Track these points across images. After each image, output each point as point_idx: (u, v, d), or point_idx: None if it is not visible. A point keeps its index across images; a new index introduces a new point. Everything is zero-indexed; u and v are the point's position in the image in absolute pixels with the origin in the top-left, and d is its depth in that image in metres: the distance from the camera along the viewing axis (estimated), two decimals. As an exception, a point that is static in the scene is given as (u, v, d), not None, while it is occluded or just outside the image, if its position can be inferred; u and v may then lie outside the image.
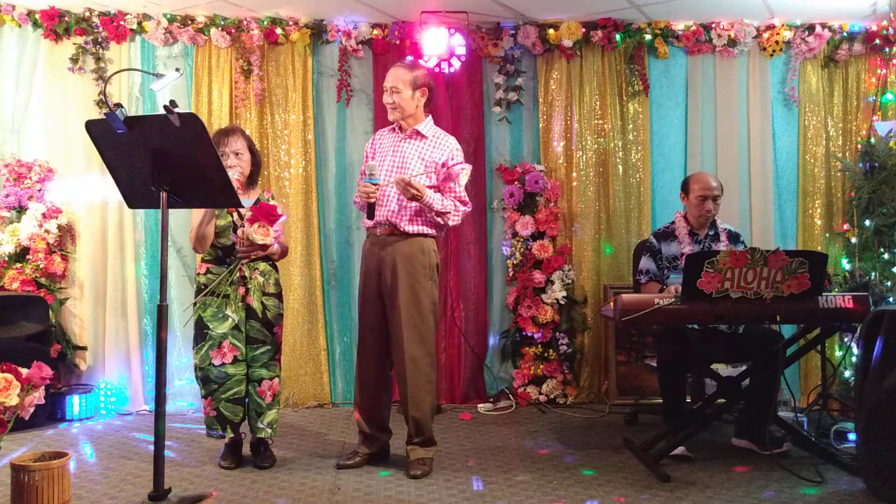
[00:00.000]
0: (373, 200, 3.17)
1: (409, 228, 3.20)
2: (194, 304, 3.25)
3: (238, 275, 3.26)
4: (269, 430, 3.29)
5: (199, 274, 3.33)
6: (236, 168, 3.26)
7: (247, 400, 3.30)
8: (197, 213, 3.26)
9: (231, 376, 3.21)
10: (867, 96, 4.69)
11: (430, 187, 3.18)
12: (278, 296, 3.38)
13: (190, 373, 4.45)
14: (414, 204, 3.16)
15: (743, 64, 4.71)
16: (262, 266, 3.33)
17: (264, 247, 3.23)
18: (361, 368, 3.36)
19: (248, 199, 3.31)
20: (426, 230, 3.23)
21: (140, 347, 4.46)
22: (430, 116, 3.37)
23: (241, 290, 3.26)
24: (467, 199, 3.30)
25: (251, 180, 3.41)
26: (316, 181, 4.60)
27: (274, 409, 3.31)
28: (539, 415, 4.36)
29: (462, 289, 4.69)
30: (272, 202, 3.38)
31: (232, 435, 3.25)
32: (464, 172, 3.23)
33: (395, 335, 3.22)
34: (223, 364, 3.20)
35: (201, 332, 3.24)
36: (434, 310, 3.25)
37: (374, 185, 3.15)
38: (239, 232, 3.24)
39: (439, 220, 3.21)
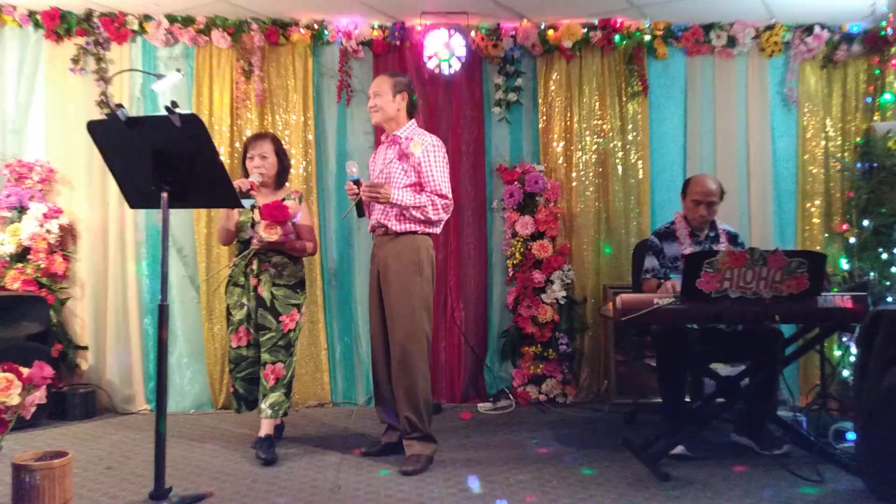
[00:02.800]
0: (353, 199, 3.34)
1: (397, 227, 3.33)
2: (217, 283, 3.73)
3: (250, 266, 3.50)
4: (270, 412, 3.44)
5: (231, 266, 3.64)
6: (260, 169, 3.54)
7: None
8: (223, 210, 3.61)
9: (246, 358, 3.55)
10: (866, 97, 4.70)
11: (408, 185, 3.30)
12: (293, 287, 3.54)
13: (191, 371, 4.52)
14: (408, 204, 3.27)
15: (742, 65, 4.72)
16: (276, 259, 3.52)
17: (272, 242, 3.42)
18: (373, 364, 3.53)
19: (273, 198, 3.58)
20: (414, 227, 3.32)
21: (141, 347, 4.47)
22: (414, 121, 3.45)
23: (254, 281, 3.50)
24: (446, 191, 3.31)
25: (279, 182, 3.66)
26: (316, 181, 4.61)
27: (278, 391, 3.46)
28: (539, 414, 4.37)
29: (462, 289, 4.70)
30: (290, 201, 3.56)
31: (247, 412, 3.61)
32: (412, 144, 3.30)
33: (390, 332, 3.35)
34: (239, 347, 3.54)
35: (228, 319, 3.61)
36: (426, 306, 3.32)
37: (353, 181, 3.32)
38: (256, 228, 3.46)
39: (417, 214, 3.28)
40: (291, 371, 3.55)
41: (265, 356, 3.47)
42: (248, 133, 4.52)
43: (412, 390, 3.28)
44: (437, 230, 3.42)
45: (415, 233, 3.33)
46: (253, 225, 3.49)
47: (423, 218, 3.30)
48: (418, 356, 3.28)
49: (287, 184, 3.75)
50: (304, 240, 3.61)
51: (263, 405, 3.45)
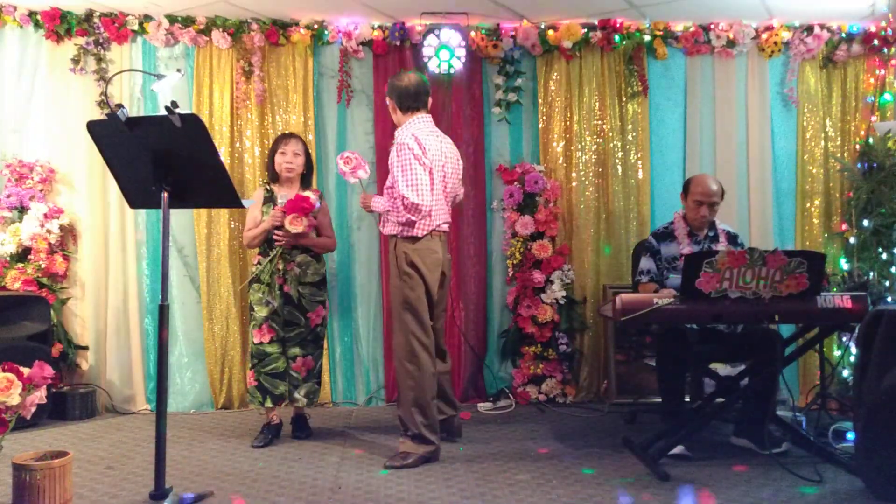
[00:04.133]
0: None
1: (384, 231, 3.51)
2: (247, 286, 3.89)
3: (276, 265, 3.67)
4: (305, 400, 3.75)
5: (254, 265, 3.83)
6: (291, 164, 3.74)
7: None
8: (248, 218, 3.77)
9: (269, 353, 3.68)
10: (866, 97, 4.70)
11: (388, 188, 3.42)
12: (317, 284, 3.77)
13: (191, 371, 4.53)
14: (381, 210, 3.46)
15: (742, 65, 4.73)
16: (300, 258, 3.72)
17: (298, 235, 3.60)
18: None
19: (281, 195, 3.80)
20: (393, 231, 3.43)
21: (141, 347, 4.47)
22: (412, 119, 3.44)
23: (280, 280, 3.68)
24: (403, 190, 3.26)
25: (305, 181, 3.87)
26: (317, 182, 4.60)
27: (311, 381, 3.77)
28: (538, 414, 4.37)
29: (462, 288, 4.70)
30: (308, 193, 3.71)
31: (270, 405, 3.70)
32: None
33: None
34: (261, 343, 3.68)
35: (251, 315, 3.76)
36: (409, 308, 3.37)
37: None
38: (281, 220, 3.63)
39: (392, 218, 3.40)
40: (320, 362, 3.83)
41: (295, 350, 3.71)
42: (249, 133, 4.54)
43: (401, 391, 3.39)
44: (418, 232, 3.35)
45: (395, 236, 3.42)
46: (280, 226, 3.62)
47: (396, 221, 3.38)
48: (405, 357, 3.37)
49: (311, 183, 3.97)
50: (325, 235, 3.84)
51: (298, 394, 3.72)
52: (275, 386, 3.68)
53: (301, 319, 3.71)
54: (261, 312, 3.67)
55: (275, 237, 3.64)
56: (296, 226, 3.56)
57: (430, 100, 3.54)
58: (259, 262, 3.74)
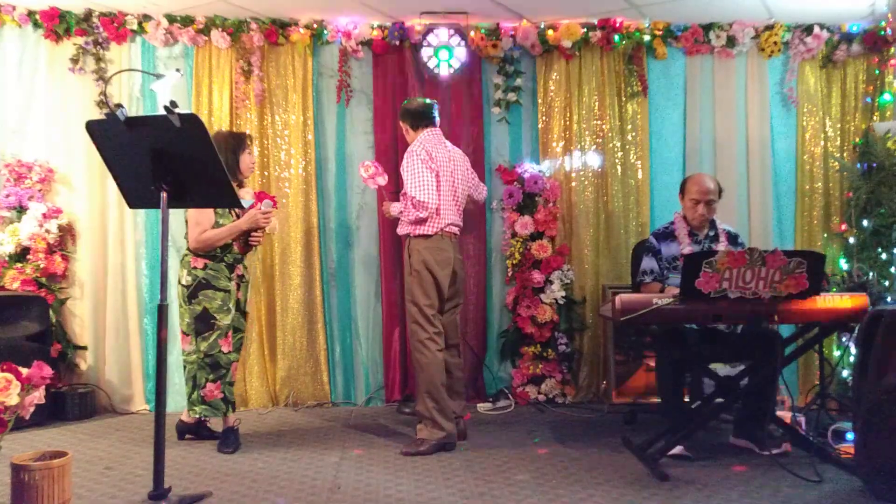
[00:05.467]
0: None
1: (399, 231, 3.77)
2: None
3: (235, 271, 3.61)
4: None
5: (195, 268, 3.52)
6: (254, 163, 3.81)
7: None
8: (205, 219, 3.49)
9: (233, 361, 3.60)
10: (865, 97, 4.70)
11: (403, 193, 3.69)
12: (248, 284, 3.80)
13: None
14: (395, 213, 3.82)
15: (741, 64, 4.73)
16: (246, 261, 3.71)
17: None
18: None
19: (246, 194, 3.71)
20: (406, 230, 3.68)
21: (140, 347, 4.47)
22: (423, 133, 3.70)
23: (235, 286, 3.62)
24: (409, 190, 3.56)
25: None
26: (316, 181, 4.61)
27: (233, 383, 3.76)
28: (538, 414, 4.37)
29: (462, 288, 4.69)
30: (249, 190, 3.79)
31: (232, 413, 3.63)
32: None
33: None
34: (229, 352, 3.56)
35: (208, 323, 3.49)
36: (416, 301, 3.60)
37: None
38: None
39: (404, 219, 3.69)
40: None
41: (235, 355, 3.64)
42: (248, 133, 4.53)
43: (419, 380, 3.59)
44: (428, 230, 3.59)
45: (409, 235, 3.66)
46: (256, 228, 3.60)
47: (408, 221, 3.63)
48: (415, 348, 3.59)
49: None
50: None
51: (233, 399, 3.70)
52: (231, 393, 3.61)
53: (244, 324, 3.71)
54: (224, 320, 3.50)
55: (252, 239, 3.60)
56: (275, 226, 3.70)
57: (438, 118, 3.79)
58: (206, 267, 3.50)
